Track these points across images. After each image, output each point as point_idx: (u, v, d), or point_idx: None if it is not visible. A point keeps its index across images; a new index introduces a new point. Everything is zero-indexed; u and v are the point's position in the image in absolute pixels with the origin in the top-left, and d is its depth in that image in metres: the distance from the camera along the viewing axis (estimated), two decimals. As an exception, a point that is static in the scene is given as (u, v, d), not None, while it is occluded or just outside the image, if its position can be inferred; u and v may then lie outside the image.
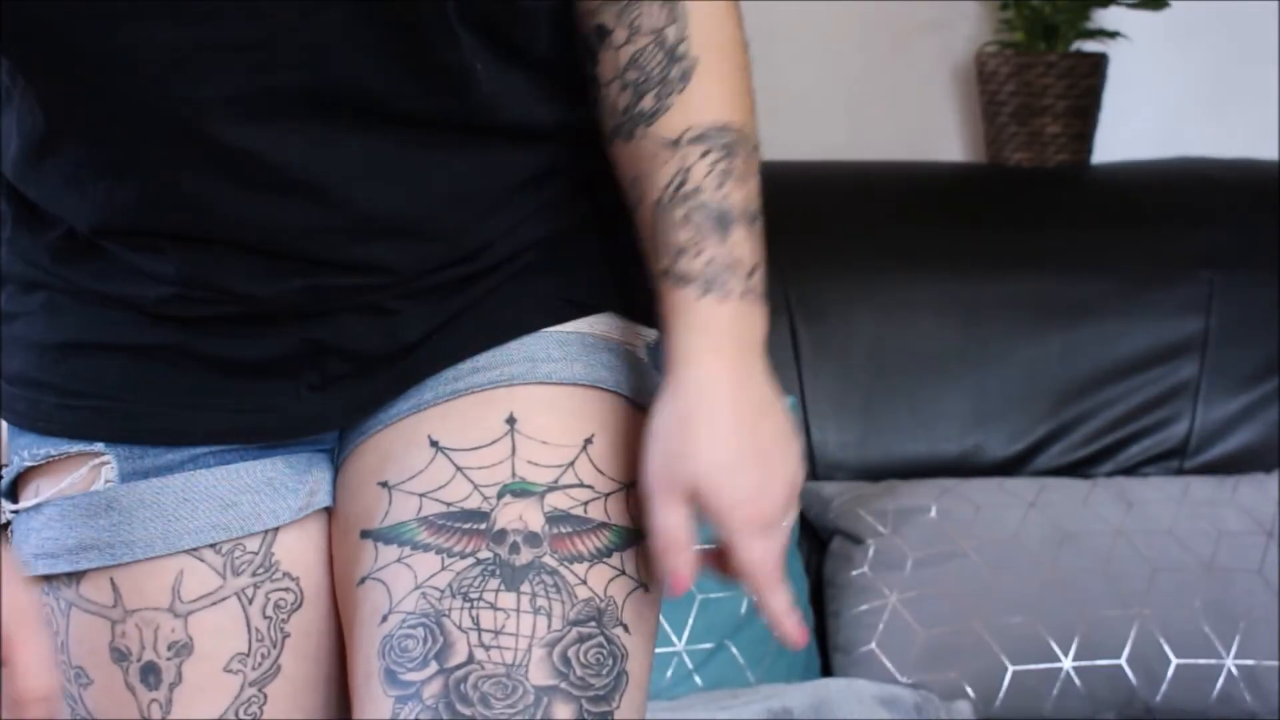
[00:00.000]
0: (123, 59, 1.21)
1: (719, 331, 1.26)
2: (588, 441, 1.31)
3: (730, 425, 1.25)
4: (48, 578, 1.35)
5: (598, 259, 1.37)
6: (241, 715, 1.33)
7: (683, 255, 1.26)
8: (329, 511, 1.37)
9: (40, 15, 1.21)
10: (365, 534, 1.31)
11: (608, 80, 1.29)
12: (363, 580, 1.31)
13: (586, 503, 1.29)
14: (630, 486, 1.31)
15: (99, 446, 1.34)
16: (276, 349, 1.32)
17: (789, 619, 1.27)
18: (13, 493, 1.39)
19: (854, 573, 2.46)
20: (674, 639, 2.38)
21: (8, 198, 1.36)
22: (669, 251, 1.26)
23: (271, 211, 1.26)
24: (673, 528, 1.25)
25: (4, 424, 1.38)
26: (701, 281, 1.26)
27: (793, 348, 2.58)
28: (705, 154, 1.26)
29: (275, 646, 1.35)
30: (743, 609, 2.39)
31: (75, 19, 1.20)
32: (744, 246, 1.26)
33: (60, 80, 1.25)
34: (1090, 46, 2.83)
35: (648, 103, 1.27)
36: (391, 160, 1.27)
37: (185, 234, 1.28)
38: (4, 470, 1.38)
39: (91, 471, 1.34)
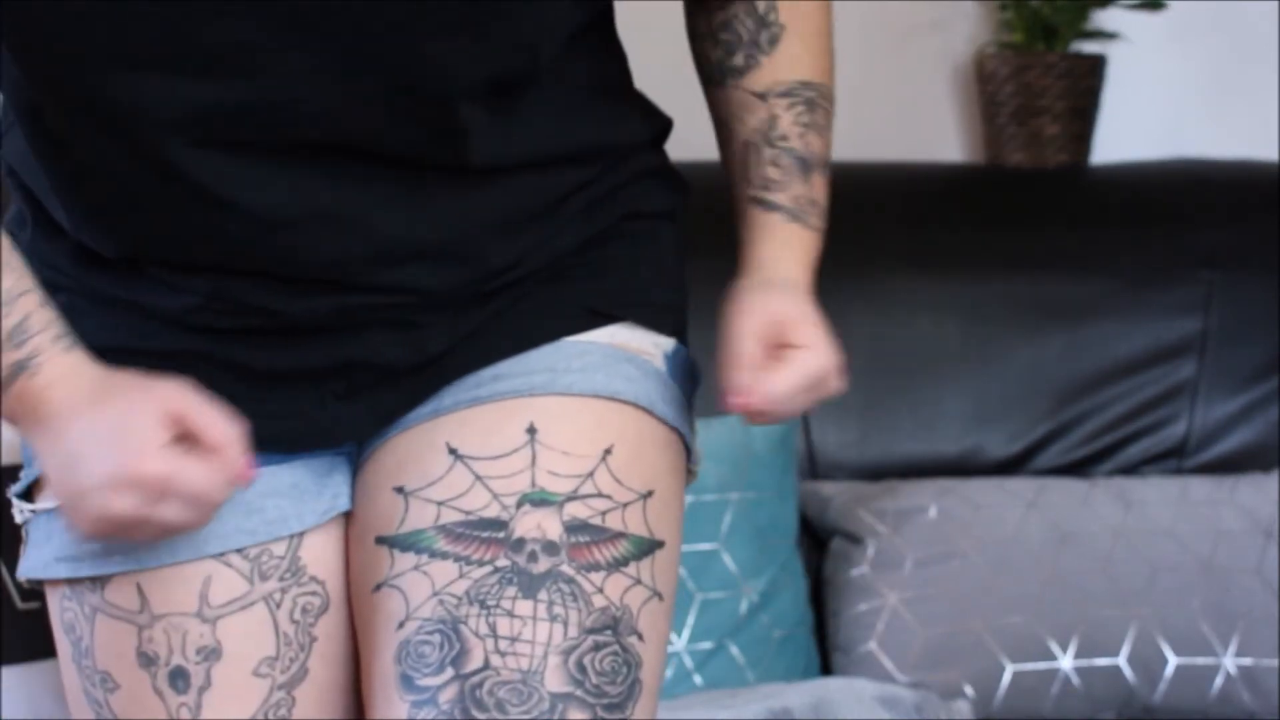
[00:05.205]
0: (136, 114, 1.22)
1: (800, 251, 1.40)
2: (607, 452, 1.31)
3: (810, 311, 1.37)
4: (71, 583, 1.35)
5: (619, 269, 1.38)
6: (270, 718, 1.34)
7: (770, 189, 1.40)
8: (348, 515, 1.38)
9: (54, 71, 1.22)
10: (381, 540, 1.32)
11: (701, 35, 1.44)
12: (379, 586, 1.31)
13: (605, 512, 1.30)
14: (648, 496, 1.32)
15: None
16: (303, 359, 1.32)
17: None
18: (28, 496, 1.38)
19: (854, 572, 2.45)
20: (674, 639, 2.37)
21: (27, 201, 1.36)
22: (758, 184, 1.41)
23: (298, 246, 1.27)
24: (749, 351, 1.32)
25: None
26: (789, 212, 1.40)
27: (793, 347, 2.57)
28: (791, 106, 1.41)
29: (303, 650, 1.35)
30: (743, 609, 2.39)
31: (84, 75, 1.21)
32: (820, 189, 1.42)
33: (83, 125, 1.25)
34: (1089, 47, 2.82)
35: (739, 60, 1.42)
36: (416, 197, 1.29)
37: (212, 265, 1.29)
38: (22, 473, 1.38)
39: None
